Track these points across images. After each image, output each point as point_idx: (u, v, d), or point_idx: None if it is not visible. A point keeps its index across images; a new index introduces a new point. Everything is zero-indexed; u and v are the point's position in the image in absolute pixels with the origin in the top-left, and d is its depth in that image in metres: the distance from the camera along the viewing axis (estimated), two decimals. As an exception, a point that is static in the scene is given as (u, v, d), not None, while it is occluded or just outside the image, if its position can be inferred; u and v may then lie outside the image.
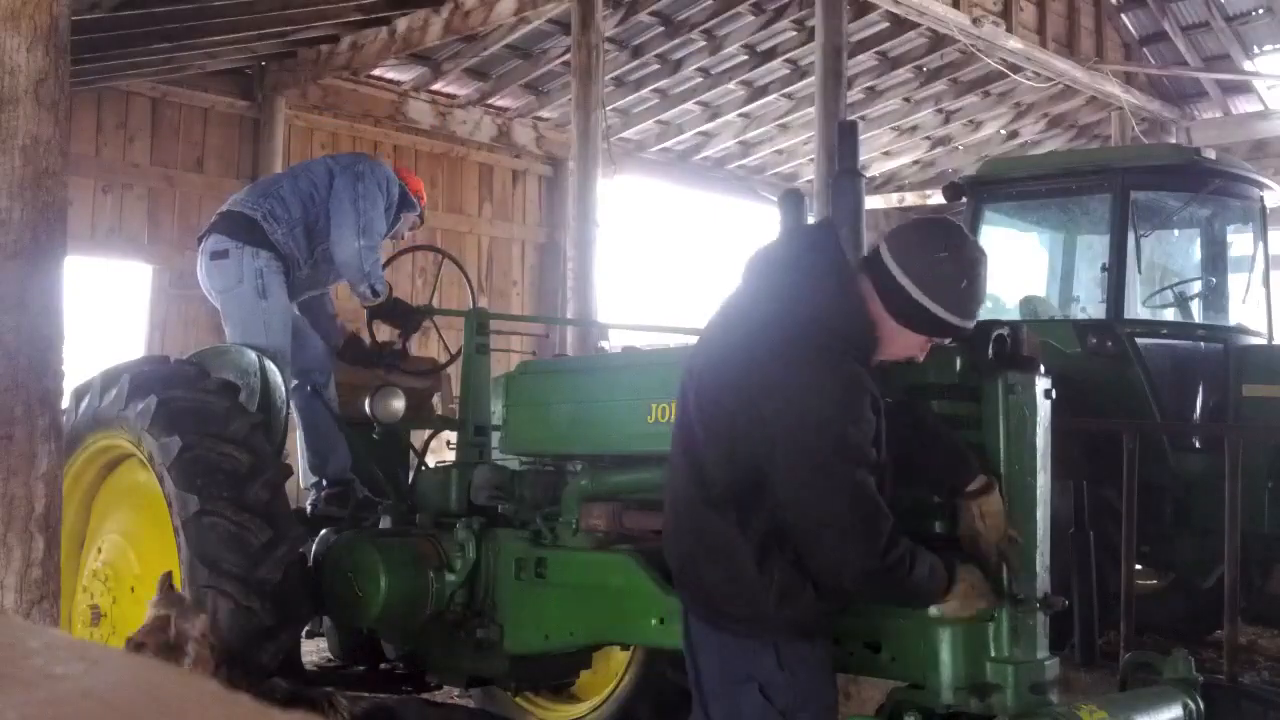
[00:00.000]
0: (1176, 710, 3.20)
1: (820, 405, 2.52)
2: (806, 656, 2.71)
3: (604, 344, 7.28)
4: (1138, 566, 5.64)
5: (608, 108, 9.90)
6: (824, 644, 2.79)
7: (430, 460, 4.96)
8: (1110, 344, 6.48)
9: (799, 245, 2.84)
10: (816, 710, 2.71)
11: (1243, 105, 13.91)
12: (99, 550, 4.56)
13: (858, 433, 2.51)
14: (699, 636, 2.80)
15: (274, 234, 4.97)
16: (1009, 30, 10.74)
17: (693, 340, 5.43)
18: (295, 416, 5.07)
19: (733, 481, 2.66)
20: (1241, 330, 6.96)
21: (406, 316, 5.24)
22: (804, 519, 2.57)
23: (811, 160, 9.71)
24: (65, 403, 3.47)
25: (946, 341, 2.84)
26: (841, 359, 2.57)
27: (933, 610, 2.77)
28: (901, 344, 2.74)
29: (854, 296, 2.66)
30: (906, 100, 13.37)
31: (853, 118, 9.86)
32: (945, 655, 2.87)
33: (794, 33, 11.46)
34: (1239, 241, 7.34)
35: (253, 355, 4.61)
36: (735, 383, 2.64)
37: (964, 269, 2.71)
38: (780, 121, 13.57)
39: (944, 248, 2.71)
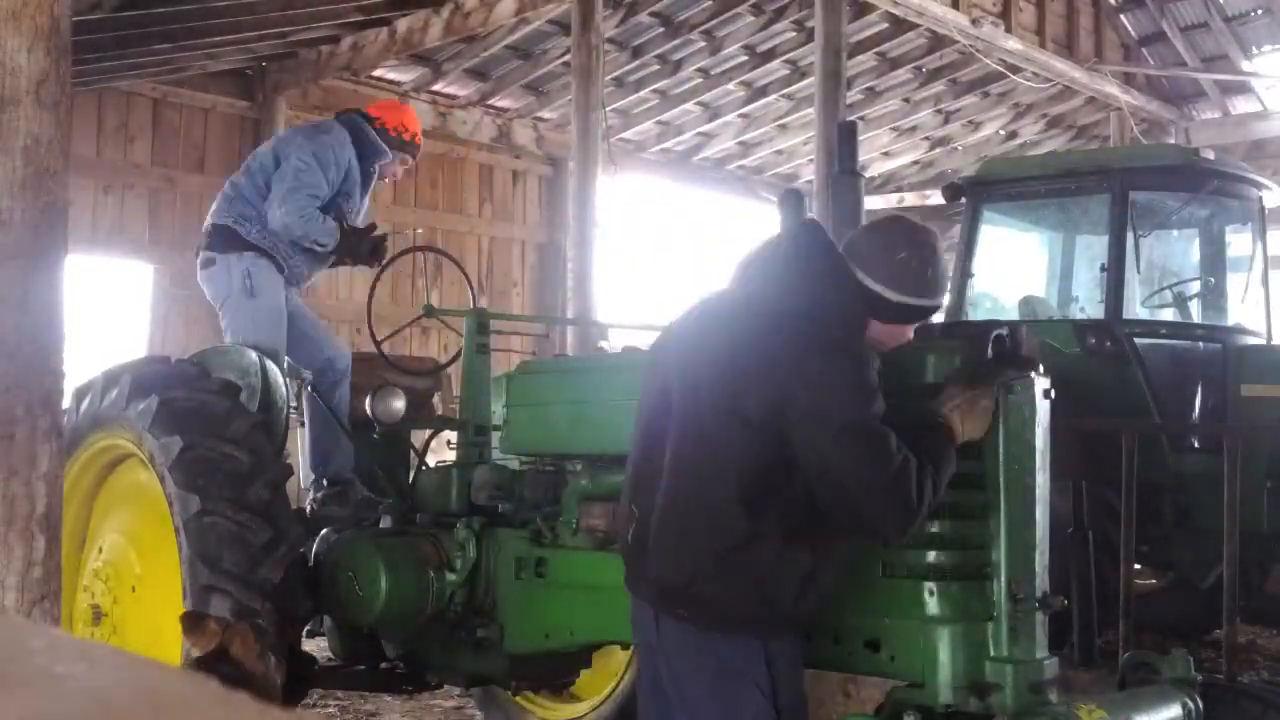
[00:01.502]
0: (1175, 710, 3.21)
1: (843, 384, 2.69)
2: (786, 651, 2.84)
3: (604, 344, 7.28)
4: (1137, 566, 5.65)
5: (608, 108, 9.90)
6: (799, 640, 2.91)
7: (430, 460, 4.96)
8: (1109, 344, 6.49)
9: (798, 246, 2.93)
10: (794, 698, 2.84)
11: (1241, 106, 13.92)
12: (100, 550, 4.57)
13: (875, 400, 2.70)
14: (679, 639, 2.83)
15: (250, 235, 5.05)
16: (1008, 31, 10.75)
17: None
18: (305, 411, 5.11)
19: (751, 481, 2.71)
20: (1240, 330, 6.96)
21: (367, 245, 5.18)
22: (844, 487, 2.68)
23: (811, 160, 9.71)
24: (66, 403, 3.47)
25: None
26: (851, 344, 2.80)
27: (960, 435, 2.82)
28: (890, 336, 2.92)
29: (853, 296, 2.85)
30: (906, 101, 13.38)
31: (852, 118, 9.86)
32: (944, 654, 2.88)
33: (794, 33, 11.46)
34: (1237, 242, 7.35)
35: (253, 355, 4.62)
36: (751, 383, 2.74)
37: (925, 258, 2.89)
38: (780, 122, 13.57)
39: (901, 246, 2.90)
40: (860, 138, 3.61)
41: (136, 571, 4.40)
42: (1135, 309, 6.81)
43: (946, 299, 7.13)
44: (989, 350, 2.97)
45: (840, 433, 2.63)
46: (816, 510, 2.71)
